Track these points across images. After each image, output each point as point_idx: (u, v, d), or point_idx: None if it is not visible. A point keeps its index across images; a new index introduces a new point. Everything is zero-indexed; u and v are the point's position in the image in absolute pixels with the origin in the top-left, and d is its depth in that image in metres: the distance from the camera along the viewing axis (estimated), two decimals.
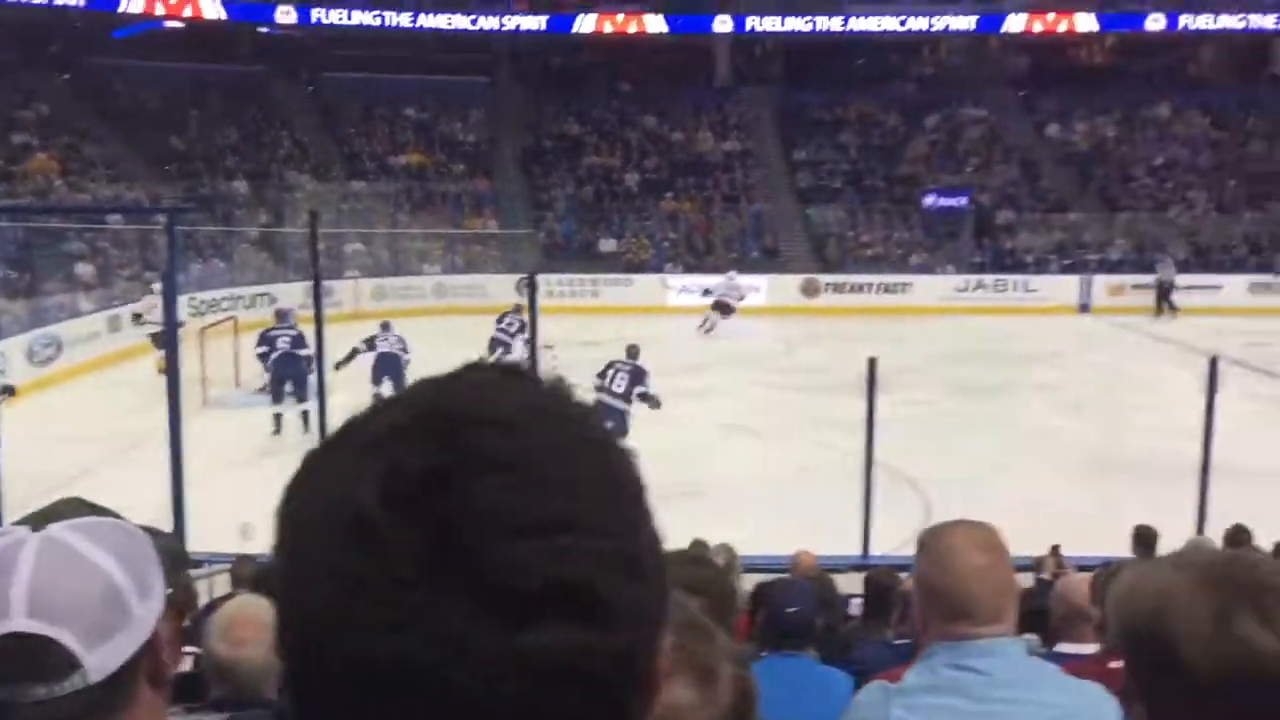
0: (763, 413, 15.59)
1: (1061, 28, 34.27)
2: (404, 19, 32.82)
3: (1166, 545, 7.20)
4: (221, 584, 6.58)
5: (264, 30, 33.96)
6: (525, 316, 19.63)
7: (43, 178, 25.35)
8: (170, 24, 32.24)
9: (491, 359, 16.97)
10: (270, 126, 31.29)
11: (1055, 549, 6.97)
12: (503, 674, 0.57)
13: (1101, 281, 27.21)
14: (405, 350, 15.53)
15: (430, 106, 33.34)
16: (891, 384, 12.41)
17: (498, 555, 0.57)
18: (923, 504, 11.40)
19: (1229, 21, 34.22)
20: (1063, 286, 27.19)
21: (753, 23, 34.36)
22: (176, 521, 8.06)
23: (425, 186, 30.17)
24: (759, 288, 26.07)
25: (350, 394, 14.71)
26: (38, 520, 1.08)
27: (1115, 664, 1.02)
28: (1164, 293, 25.78)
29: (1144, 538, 7.00)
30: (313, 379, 11.51)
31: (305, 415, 13.85)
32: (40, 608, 0.99)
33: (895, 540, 8.39)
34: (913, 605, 1.91)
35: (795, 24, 34.18)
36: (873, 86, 35.00)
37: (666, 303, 26.19)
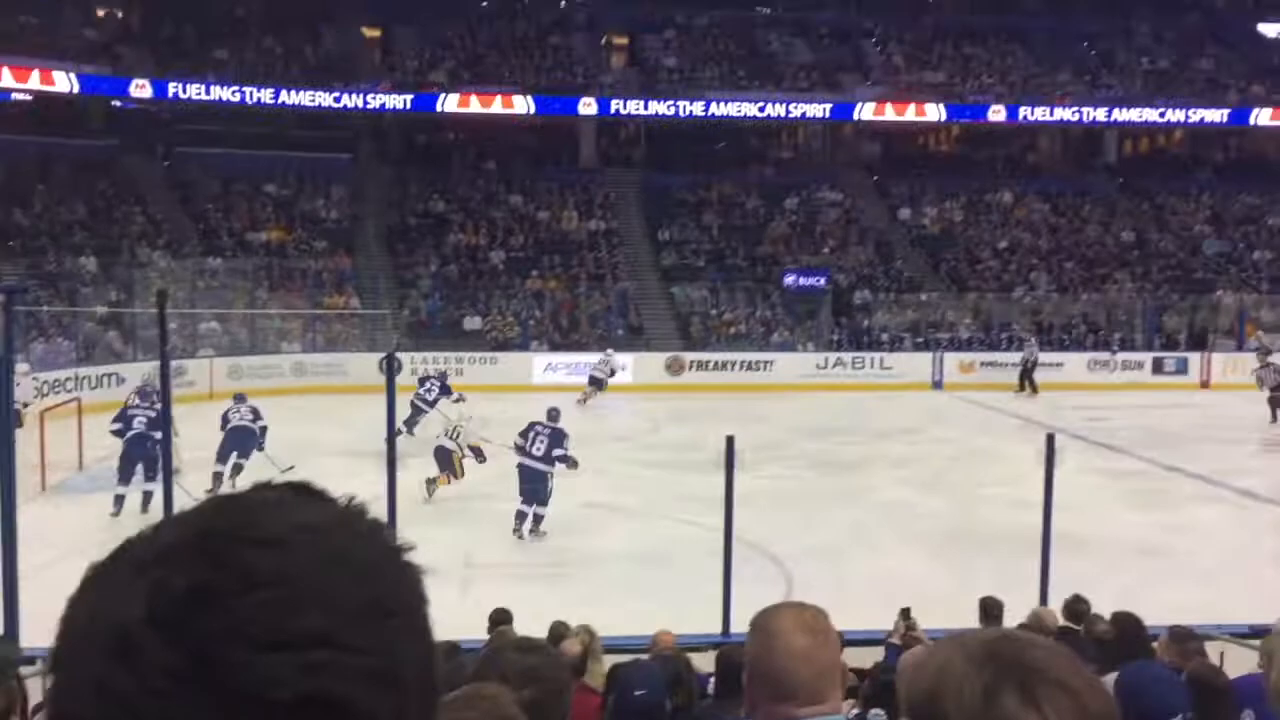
0: (628, 490, 15.63)
1: (910, 115, 35.92)
2: (265, 95, 32.41)
3: (1012, 616, 7.45)
4: None
5: (117, 104, 33.17)
6: (447, 381, 19.83)
7: None
8: (18, 96, 31.24)
9: (408, 424, 16.84)
10: (122, 202, 30.40)
11: (905, 611, 7.07)
12: None
13: (953, 359, 28.25)
14: (257, 419, 15.21)
15: (291, 183, 32.91)
16: (754, 460, 12.61)
17: (252, 669, 0.59)
18: (785, 579, 11.54)
19: (1064, 114, 36.47)
20: (916, 364, 28.13)
21: (617, 105, 35.09)
22: (8, 618, 7.62)
23: (285, 264, 29.63)
24: (625, 365, 26.31)
25: (204, 474, 14.29)
26: None
27: None
28: (1027, 371, 26.75)
29: (989, 609, 7.21)
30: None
31: (147, 496, 13.35)
32: None
33: None
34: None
35: (658, 108, 35.04)
36: (734, 169, 36.02)
37: (532, 381, 26.17)
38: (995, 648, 0.97)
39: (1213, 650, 6.54)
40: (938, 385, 27.58)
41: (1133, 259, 33.26)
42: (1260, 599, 9.13)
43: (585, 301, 30.22)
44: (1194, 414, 23.25)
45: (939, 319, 30.29)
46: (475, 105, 34.00)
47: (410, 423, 18.42)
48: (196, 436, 15.05)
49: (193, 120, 32.90)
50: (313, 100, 32.90)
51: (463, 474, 14.87)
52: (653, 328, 29.78)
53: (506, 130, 35.91)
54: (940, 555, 12.41)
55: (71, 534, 11.99)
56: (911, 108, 35.74)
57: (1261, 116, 36.43)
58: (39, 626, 7.82)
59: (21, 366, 16.90)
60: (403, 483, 9.77)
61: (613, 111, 35.22)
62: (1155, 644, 6.08)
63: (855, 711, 4.77)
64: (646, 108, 35.18)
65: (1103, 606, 7.37)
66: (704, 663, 6.46)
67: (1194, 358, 28.71)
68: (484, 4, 38.65)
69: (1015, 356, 28.00)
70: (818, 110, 35.83)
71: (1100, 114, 36.55)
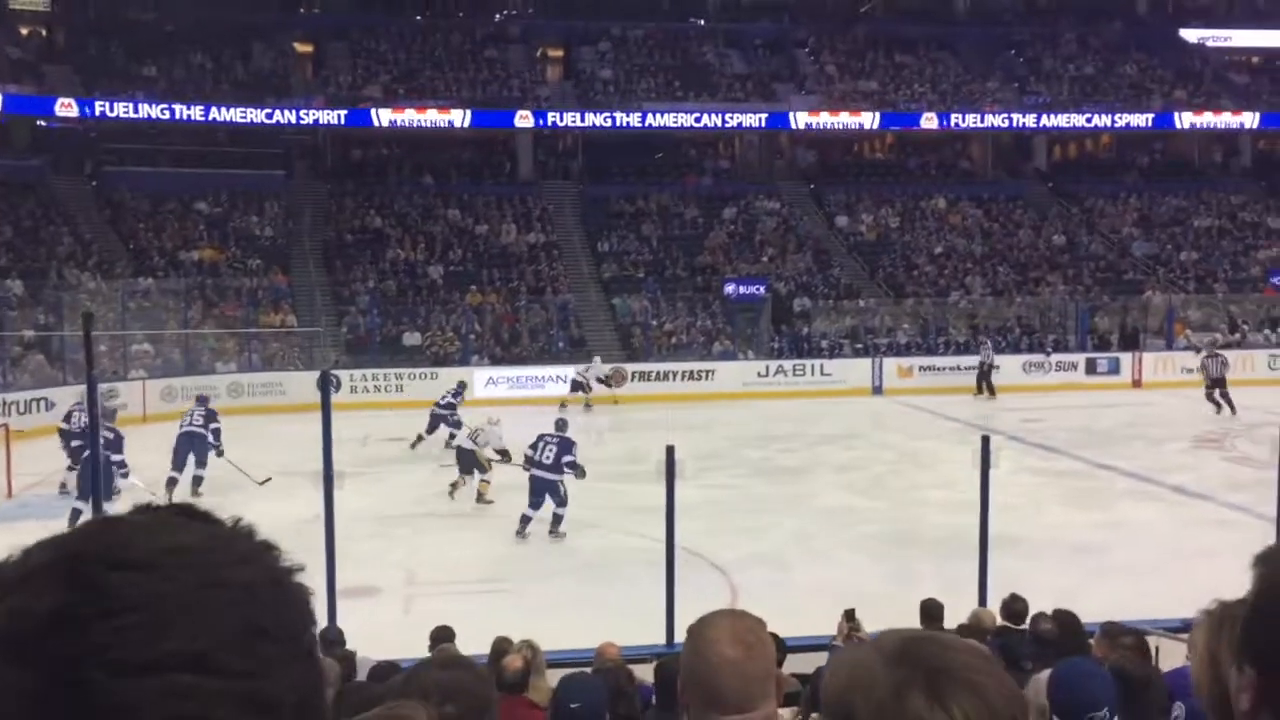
0: (573, 503, 15.55)
1: (844, 122, 36.34)
2: (195, 112, 31.96)
3: (953, 617, 7.53)
4: None
5: (43, 124, 32.52)
6: (462, 391, 20.26)
7: None
8: None
9: (427, 434, 17.27)
10: (49, 222, 29.78)
11: (850, 613, 7.11)
12: None
13: (891, 364, 28.56)
14: (210, 422, 15.41)
15: (223, 201, 32.47)
16: (696, 470, 12.65)
17: (110, 693, 0.58)
18: (730, 588, 11.57)
19: (994, 120, 37.13)
20: (856, 369, 28.38)
21: (554, 118, 35.10)
22: None
23: (219, 283, 29.20)
24: (566, 378, 26.25)
25: (136, 494, 14.01)
26: None
27: None
28: (984, 374, 27.04)
29: (929, 611, 7.28)
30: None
31: (76, 514, 13.07)
32: None
33: None
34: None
35: (595, 119, 35.10)
36: (672, 179, 36.17)
37: (475, 395, 25.97)
38: (909, 648, 0.97)
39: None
40: (878, 390, 27.84)
41: (1064, 261, 33.88)
42: (1193, 593, 9.24)
43: (526, 315, 30.12)
44: (1127, 413, 23.71)
45: (877, 325, 30.60)
46: (411, 117, 33.82)
47: (431, 430, 19.52)
48: (132, 459, 14.75)
49: (121, 139, 32.36)
50: (244, 116, 32.50)
51: (490, 468, 15.53)
52: (594, 340, 29.75)
53: (443, 144, 35.76)
54: (883, 559, 12.52)
55: None
56: (845, 115, 36.16)
57: (1184, 120, 37.37)
58: None
59: None
60: (342, 502, 9.64)
61: (549, 123, 35.23)
62: (1091, 640, 6.17)
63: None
64: (583, 119, 35.23)
65: (1041, 605, 7.46)
66: (649, 674, 6.45)
67: (1126, 358, 29.26)
68: (418, 18, 38.48)
69: (953, 360, 28.38)
70: (753, 120, 36.12)
71: (1029, 120, 37.27)
